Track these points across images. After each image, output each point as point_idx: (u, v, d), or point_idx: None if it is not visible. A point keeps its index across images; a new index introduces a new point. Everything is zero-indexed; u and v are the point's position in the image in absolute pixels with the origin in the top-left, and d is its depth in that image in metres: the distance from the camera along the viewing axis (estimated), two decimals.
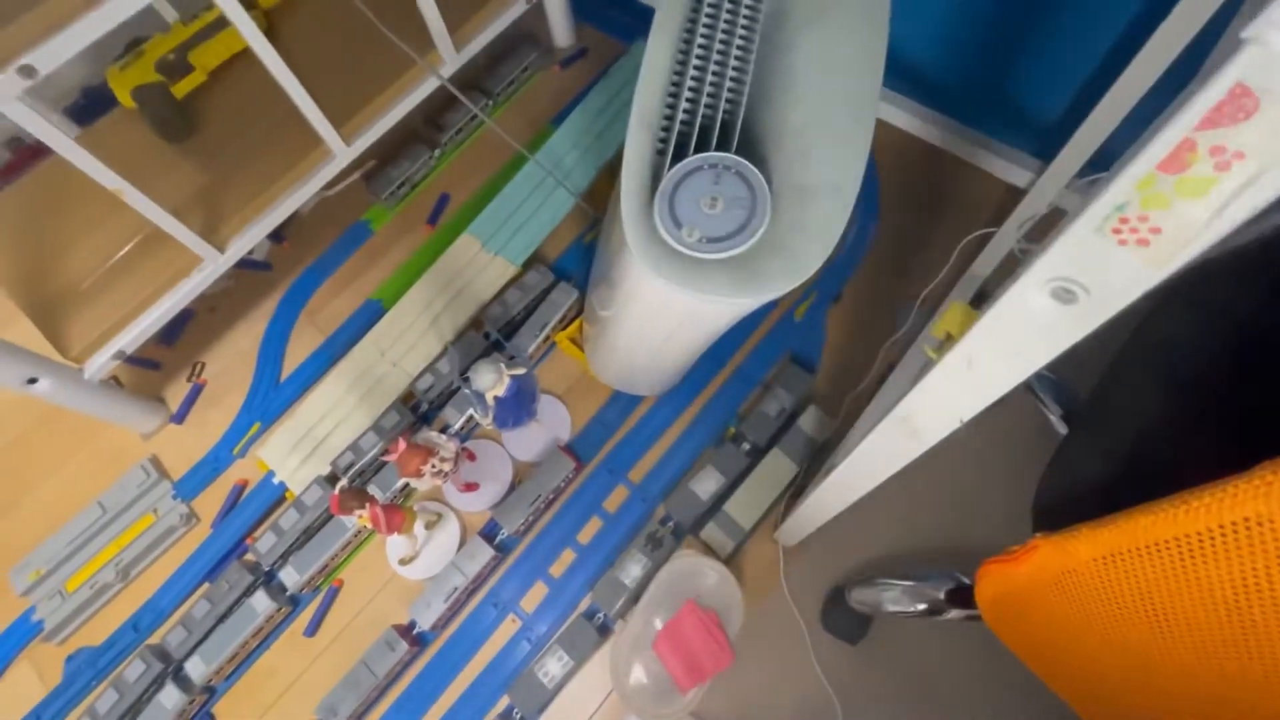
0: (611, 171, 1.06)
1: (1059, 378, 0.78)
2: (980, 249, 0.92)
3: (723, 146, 0.52)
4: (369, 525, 0.73)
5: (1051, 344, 0.25)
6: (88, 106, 1.21)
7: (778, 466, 0.84)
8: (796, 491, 0.85)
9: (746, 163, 0.50)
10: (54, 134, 0.67)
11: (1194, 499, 0.26)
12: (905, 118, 0.86)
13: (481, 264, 1.00)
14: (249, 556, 0.87)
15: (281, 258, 1.09)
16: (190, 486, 0.94)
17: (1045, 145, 0.93)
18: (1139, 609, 0.33)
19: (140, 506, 0.93)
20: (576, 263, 1.03)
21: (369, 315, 1.02)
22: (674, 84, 0.54)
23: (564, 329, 0.98)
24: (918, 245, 0.99)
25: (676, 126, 0.53)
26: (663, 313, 0.59)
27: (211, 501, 0.94)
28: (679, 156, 0.52)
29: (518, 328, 0.96)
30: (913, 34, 0.91)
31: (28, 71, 0.63)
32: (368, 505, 0.72)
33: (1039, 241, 0.77)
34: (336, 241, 1.09)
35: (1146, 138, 0.18)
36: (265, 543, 0.85)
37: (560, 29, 1.18)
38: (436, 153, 1.12)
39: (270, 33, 1.04)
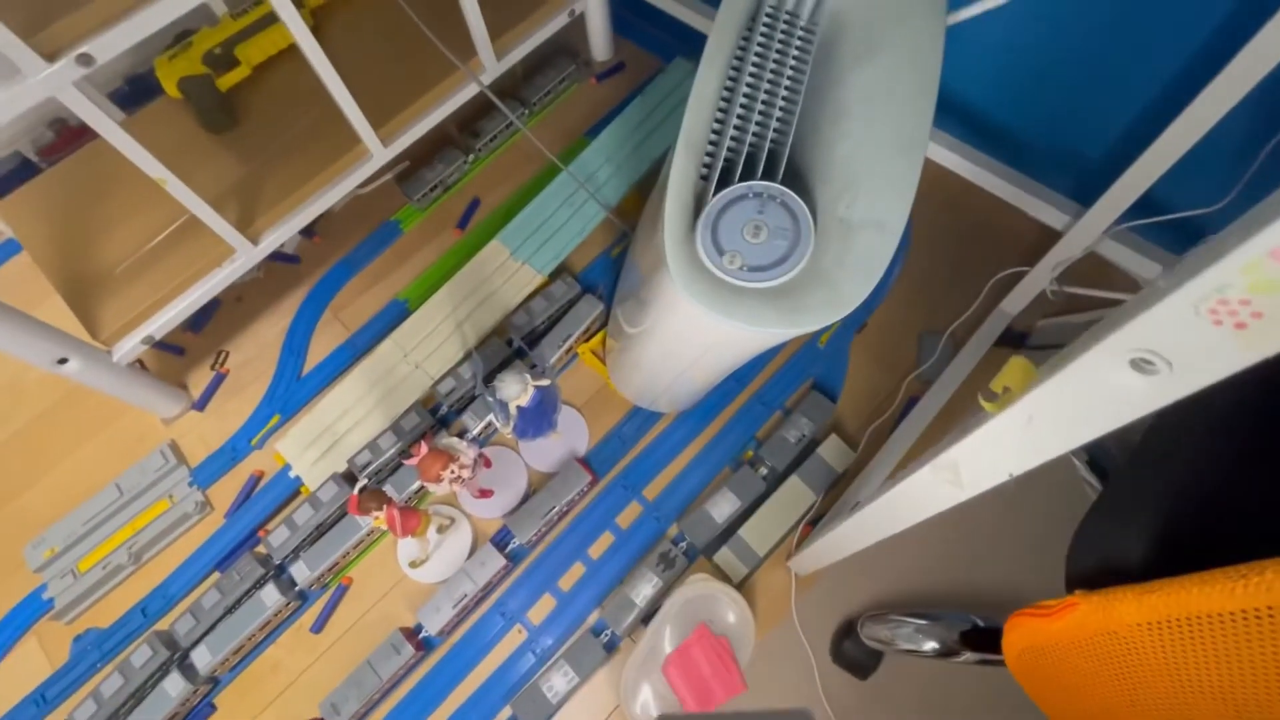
0: (643, 188, 1.06)
1: None
2: (1010, 287, 0.92)
3: (768, 175, 0.52)
4: (384, 527, 0.73)
5: (1122, 413, 0.24)
6: (130, 94, 1.23)
7: (795, 494, 0.84)
8: (813, 519, 0.85)
9: (791, 193, 0.50)
10: (105, 122, 0.68)
11: (1254, 574, 0.25)
12: (941, 151, 0.86)
13: (509, 271, 1.01)
14: (260, 549, 0.87)
15: (311, 252, 1.10)
16: (207, 474, 0.95)
17: (1083, 188, 0.92)
18: (1179, 676, 0.33)
19: (157, 491, 0.94)
20: (603, 275, 1.03)
21: (394, 315, 1.03)
22: (721, 110, 0.55)
23: (587, 341, 0.98)
24: (946, 278, 0.99)
25: (723, 153, 0.53)
26: (695, 336, 0.59)
27: (227, 491, 0.94)
28: (724, 183, 0.52)
29: (541, 337, 0.96)
30: (956, 69, 0.91)
31: (85, 60, 0.64)
32: (385, 507, 0.72)
33: (1072, 285, 0.76)
34: (366, 239, 1.10)
35: (1256, 218, 0.18)
36: (278, 536, 0.85)
37: (599, 43, 1.19)
38: (470, 158, 1.12)
39: (316, 31, 1.06)
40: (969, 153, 0.86)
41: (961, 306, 0.96)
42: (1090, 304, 0.94)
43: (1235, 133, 0.59)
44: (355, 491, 0.71)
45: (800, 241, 0.49)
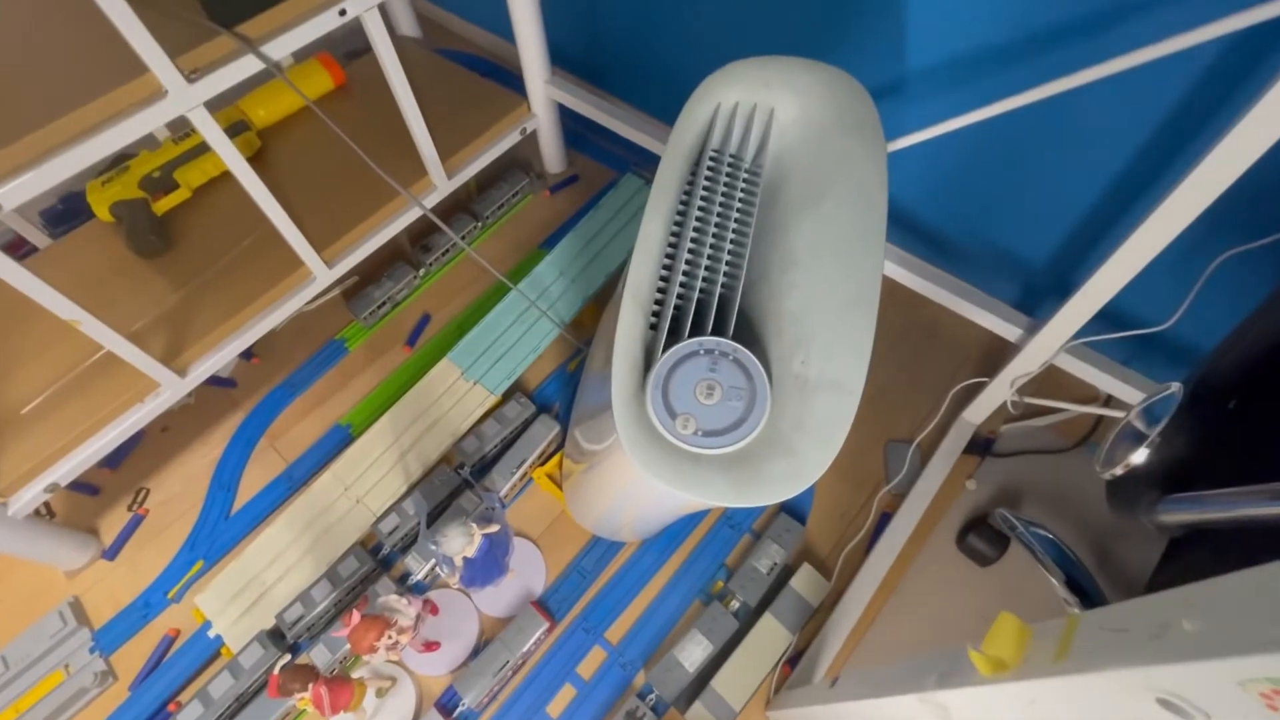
0: (600, 300, 1.04)
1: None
2: (971, 395, 0.91)
3: (719, 326, 0.50)
4: (310, 708, 0.64)
5: None
6: (65, 213, 1.18)
7: (770, 634, 0.78)
8: (792, 659, 0.78)
9: (744, 350, 0.48)
10: (9, 266, 0.63)
11: None
12: (889, 265, 0.87)
13: (459, 392, 0.96)
14: None
15: (248, 374, 1.04)
16: (113, 636, 0.84)
17: (1031, 299, 0.94)
18: None
19: (51, 660, 0.82)
20: (559, 393, 0.99)
21: (336, 442, 0.96)
22: (669, 258, 0.53)
23: (543, 465, 0.93)
24: (906, 386, 0.98)
25: (672, 302, 0.51)
26: (649, 493, 0.55)
27: (136, 655, 0.83)
28: (674, 334, 0.50)
29: (493, 464, 0.90)
30: (898, 181, 0.94)
31: None
32: (311, 685, 0.63)
33: (1032, 395, 0.75)
34: (308, 360, 1.04)
35: None
36: (189, 714, 0.75)
37: (552, 157, 1.21)
38: (421, 273, 1.10)
39: (262, 152, 1.05)
40: (916, 265, 0.87)
41: (924, 414, 0.94)
42: (1050, 410, 0.93)
43: (1179, 248, 0.60)
44: (276, 671, 0.62)
45: (756, 402, 0.46)
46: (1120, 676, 0.18)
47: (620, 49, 1.14)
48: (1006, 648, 0.25)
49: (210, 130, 0.71)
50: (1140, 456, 0.43)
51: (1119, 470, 0.44)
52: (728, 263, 0.53)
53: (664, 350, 0.48)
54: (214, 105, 0.70)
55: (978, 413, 0.90)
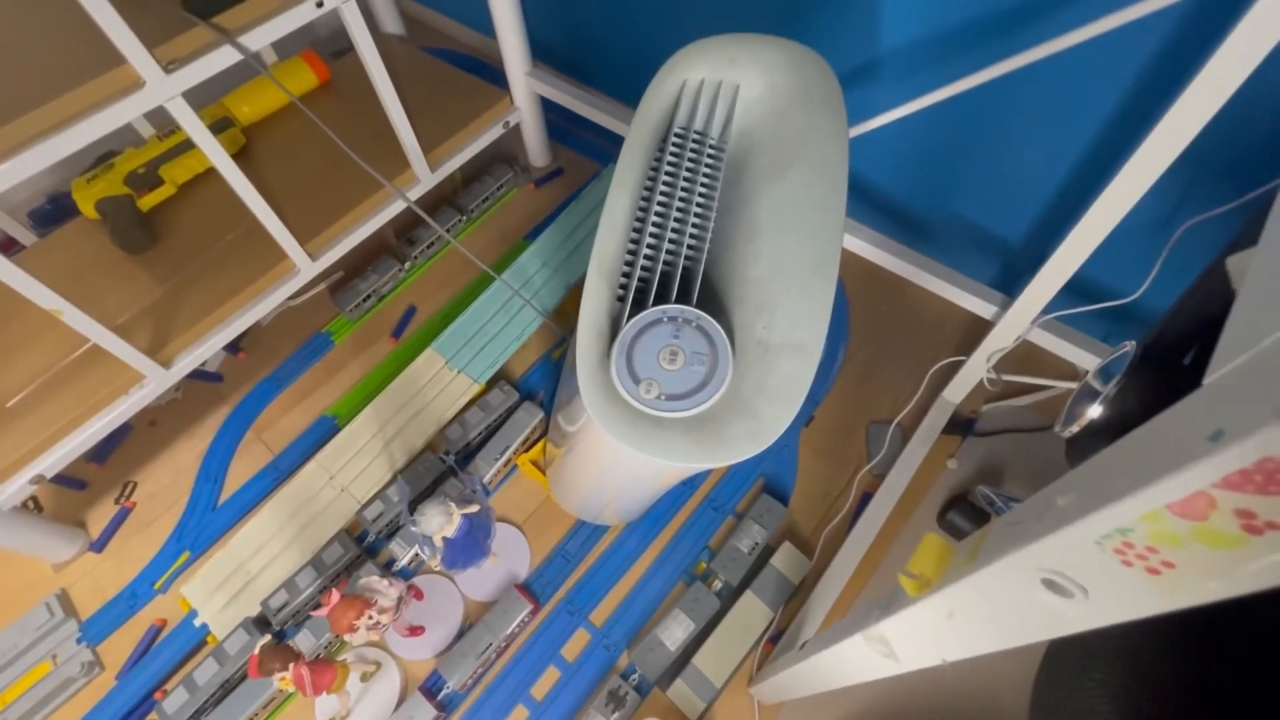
0: (581, 290, 1.05)
1: None
2: (950, 375, 0.91)
3: (683, 297, 0.51)
4: (292, 688, 0.65)
5: (1052, 626, 0.21)
6: (53, 212, 1.19)
7: (751, 612, 0.78)
8: (774, 637, 0.79)
9: (707, 316, 0.49)
10: None
11: None
12: (866, 246, 0.88)
13: (443, 381, 0.97)
14: (153, 716, 0.76)
15: (235, 368, 1.05)
16: (100, 627, 0.84)
17: (1007, 277, 0.95)
18: None
19: (38, 651, 0.82)
20: (543, 381, 1.00)
21: (322, 433, 0.97)
22: (635, 232, 0.53)
23: (527, 451, 0.93)
24: (887, 367, 0.99)
25: (637, 274, 0.52)
26: (622, 465, 0.56)
27: (123, 645, 0.83)
28: (639, 306, 0.50)
29: (477, 451, 0.91)
30: (873, 164, 0.95)
31: None
32: (291, 665, 0.64)
33: (1010, 372, 0.76)
34: (295, 353, 1.05)
35: (1146, 459, 0.15)
36: (175, 700, 0.75)
37: (536, 150, 1.22)
38: (406, 266, 1.11)
39: (247, 148, 1.06)
40: (893, 246, 0.88)
41: (905, 395, 0.95)
42: (1032, 388, 0.94)
43: (1143, 220, 0.61)
44: (255, 651, 0.62)
45: (718, 367, 0.47)
46: (1012, 563, 0.19)
47: (598, 40, 1.15)
48: (929, 565, 0.25)
49: (190, 121, 0.72)
50: (1095, 411, 0.44)
51: (1075, 428, 0.45)
52: (692, 235, 0.53)
53: (628, 320, 0.49)
54: (194, 97, 0.71)
55: (957, 391, 0.90)
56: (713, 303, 0.52)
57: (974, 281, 0.85)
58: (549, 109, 1.15)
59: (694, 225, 0.53)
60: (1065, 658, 0.34)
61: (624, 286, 0.52)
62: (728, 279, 0.52)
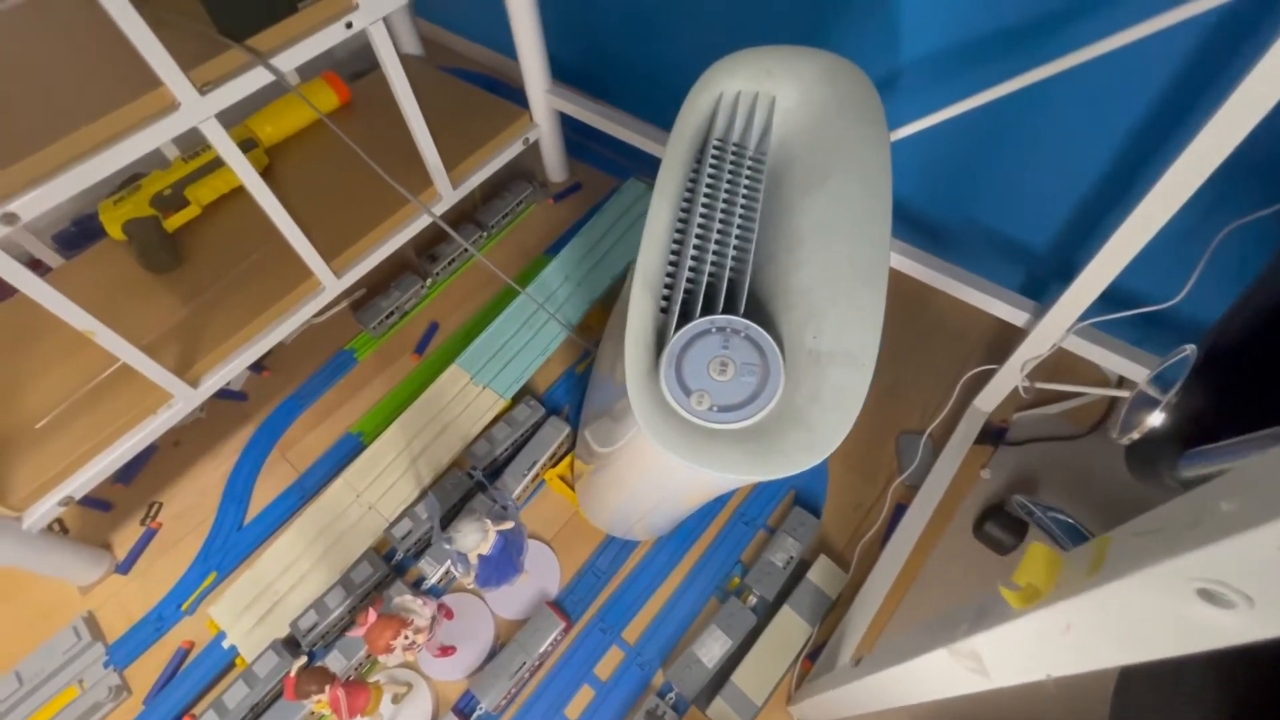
0: (605, 303, 1.05)
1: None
2: (981, 383, 0.91)
3: (730, 307, 0.50)
4: (328, 711, 0.64)
5: (1196, 640, 0.20)
6: (78, 234, 1.20)
7: (789, 627, 0.77)
8: (812, 654, 0.77)
9: (756, 326, 0.48)
10: (24, 276, 0.64)
11: None
12: (895, 258, 0.87)
13: (469, 397, 0.96)
14: None
15: (259, 387, 1.05)
16: (127, 650, 0.83)
17: (1034, 285, 0.94)
18: None
19: (65, 676, 0.81)
20: (568, 395, 0.99)
21: (347, 451, 0.97)
22: (676, 243, 0.53)
23: (554, 466, 0.93)
24: (917, 377, 0.98)
25: (682, 285, 0.51)
26: (666, 478, 0.55)
27: (150, 668, 0.82)
28: (685, 317, 0.50)
29: (504, 466, 0.90)
30: (897, 174, 0.95)
31: (9, 219, 0.61)
32: (327, 688, 0.63)
33: (1043, 380, 0.75)
34: (318, 371, 1.05)
35: None
36: None
37: (554, 166, 1.23)
38: (428, 282, 1.11)
39: (270, 168, 1.06)
40: (920, 256, 0.87)
41: (935, 404, 0.94)
42: (1063, 396, 0.93)
43: (1183, 224, 0.60)
44: (291, 673, 0.61)
45: (770, 377, 0.47)
46: (1158, 573, 0.18)
47: (616, 56, 1.16)
48: (1038, 575, 0.24)
49: (222, 142, 0.73)
50: (1158, 419, 0.43)
51: (1136, 434, 0.44)
52: (735, 245, 0.53)
53: (675, 331, 0.48)
54: (225, 119, 0.71)
55: (989, 400, 0.90)
56: (759, 314, 0.51)
57: (1005, 289, 0.84)
58: (567, 126, 1.16)
59: (738, 235, 0.53)
60: (1156, 670, 0.33)
61: (667, 298, 0.52)
62: (771, 288, 0.52)
